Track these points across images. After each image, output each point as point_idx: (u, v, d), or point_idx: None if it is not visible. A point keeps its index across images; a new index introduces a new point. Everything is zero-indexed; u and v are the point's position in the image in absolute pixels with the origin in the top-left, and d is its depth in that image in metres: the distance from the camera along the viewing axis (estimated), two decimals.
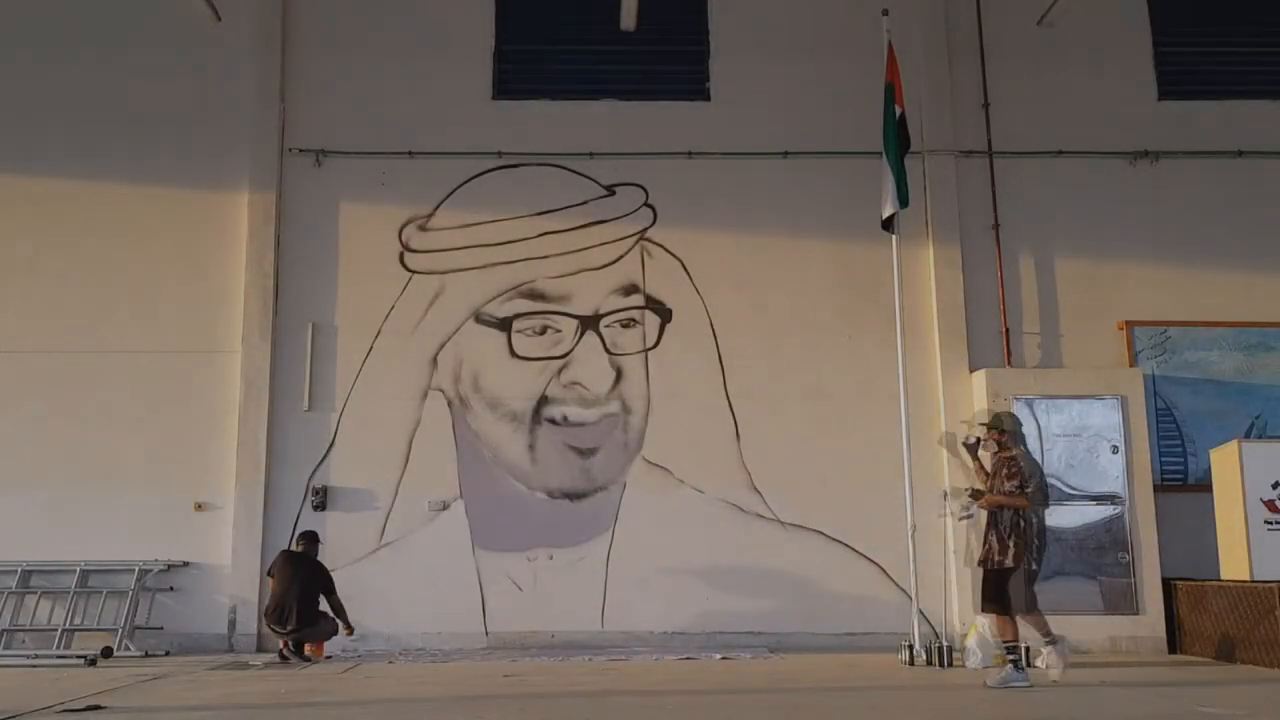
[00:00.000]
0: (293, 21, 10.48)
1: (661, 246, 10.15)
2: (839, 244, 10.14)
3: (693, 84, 10.57)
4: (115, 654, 8.98)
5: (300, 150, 10.26)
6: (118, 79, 10.38)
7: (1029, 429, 9.32)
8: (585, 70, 10.59)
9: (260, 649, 9.35)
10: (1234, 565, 8.51)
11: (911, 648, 8.04)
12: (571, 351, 9.93)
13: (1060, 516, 9.26)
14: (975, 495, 7.42)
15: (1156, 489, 9.37)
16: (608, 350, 9.95)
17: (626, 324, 10.02)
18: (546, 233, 10.09)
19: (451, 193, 10.21)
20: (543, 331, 9.98)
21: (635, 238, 10.15)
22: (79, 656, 8.67)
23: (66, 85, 10.38)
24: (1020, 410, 9.40)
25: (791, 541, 9.65)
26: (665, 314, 10.05)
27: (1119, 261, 10.20)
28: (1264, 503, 8.39)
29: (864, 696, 6.67)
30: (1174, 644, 9.01)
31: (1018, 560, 7.03)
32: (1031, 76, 10.50)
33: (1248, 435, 9.75)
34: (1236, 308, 10.10)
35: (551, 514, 9.68)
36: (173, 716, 6.16)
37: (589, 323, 9.98)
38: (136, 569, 9.39)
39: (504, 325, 9.97)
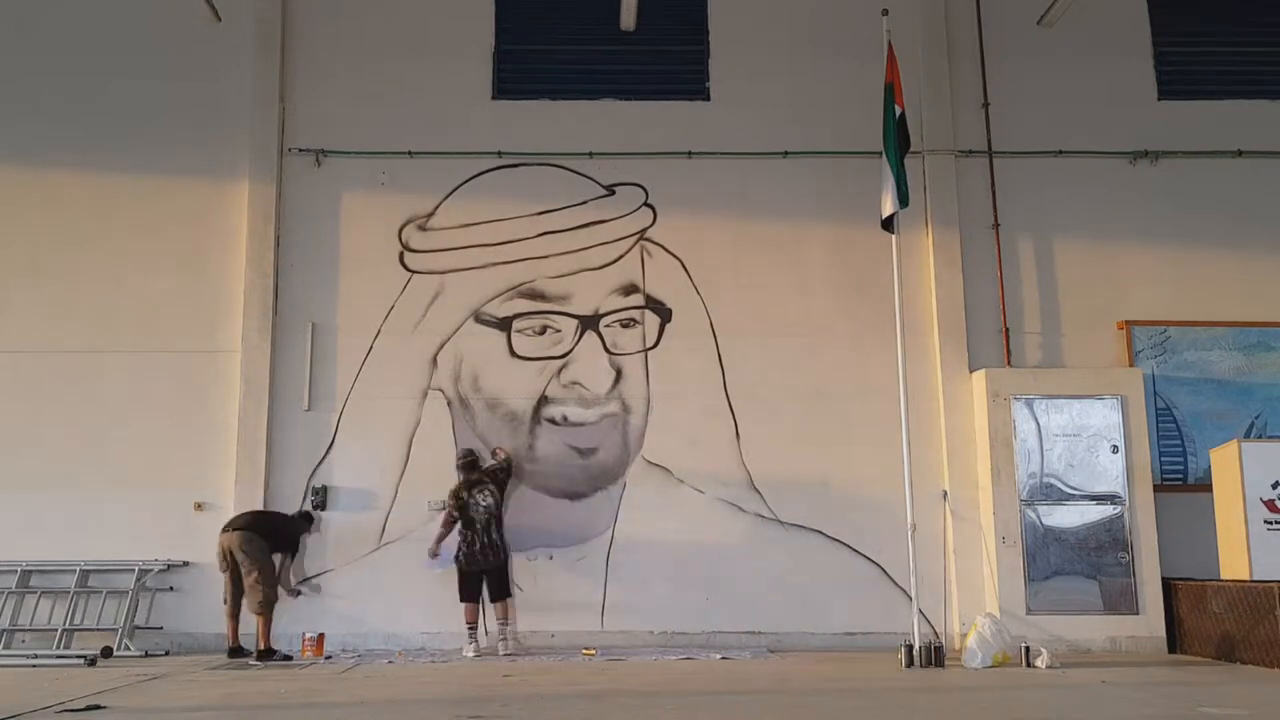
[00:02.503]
0: (293, 21, 10.48)
1: (661, 246, 10.15)
2: (839, 244, 10.14)
3: (693, 84, 10.57)
4: (115, 654, 8.98)
5: (300, 150, 10.26)
6: (117, 78, 10.37)
7: (1029, 429, 9.37)
8: (585, 70, 10.58)
9: None
10: (1234, 565, 8.52)
11: (911, 648, 8.03)
12: (571, 351, 9.93)
13: (1060, 516, 9.29)
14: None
15: (1156, 489, 9.38)
16: (608, 350, 9.95)
17: (626, 324, 10.02)
18: (546, 233, 10.09)
19: (451, 193, 10.21)
20: (543, 331, 9.98)
21: (635, 238, 10.15)
22: (79, 656, 8.67)
23: (66, 84, 10.38)
24: (1020, 410, 9.43)
25: (791, 541, 9.65)
26: (665, 314, 10.05)
27: (1119, 261, 10.20)
28: (1264, 503, 8.40)
29: (863, 697, 6.66)
30: (1174, 644, 9.01)
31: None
32: (1031, 76, 10.50)
33: (1248, 435, 9.75)
34: (1236, 308, 10.10)
35: (551, 514, 9.68)
36: (173, 716, 6.16)
37: (589, 323, 9.98)
38: (136, 569, 9.39)
39: (504, 325, 9.98)
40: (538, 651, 9.14)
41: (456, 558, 9.13)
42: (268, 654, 8.68)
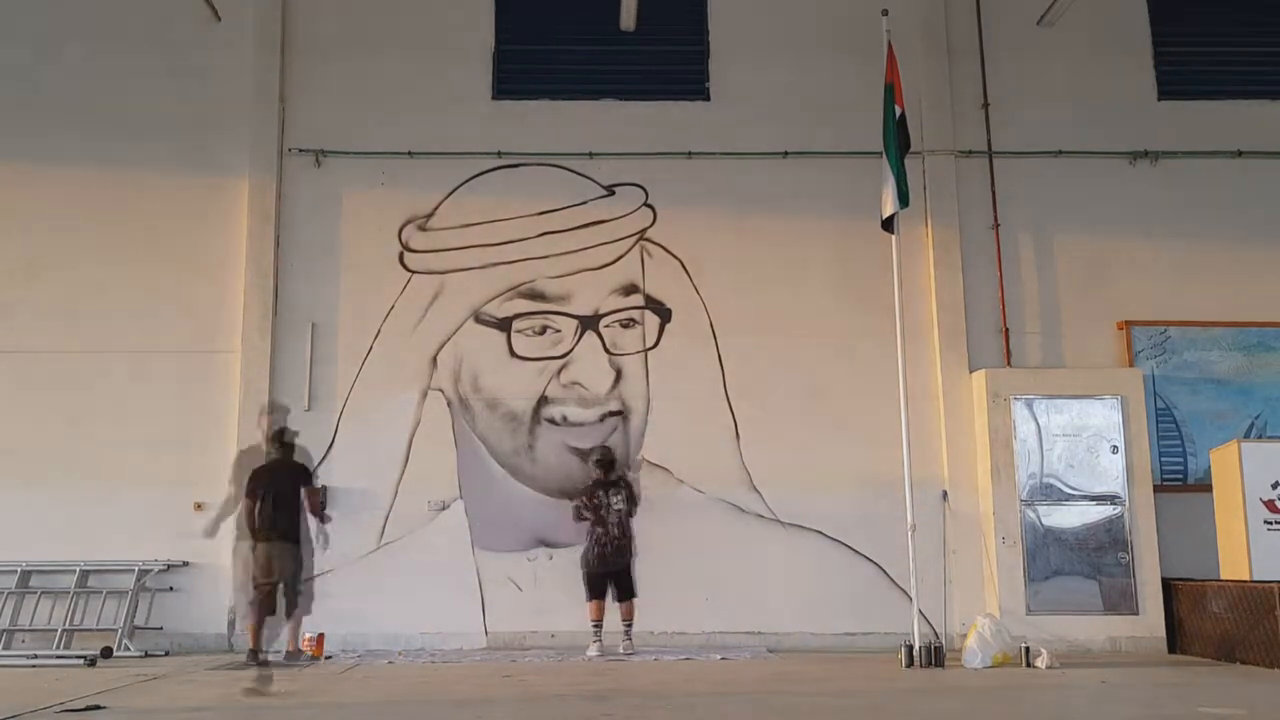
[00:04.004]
0: (293, 21, 10.47)
1: (661, 246, 10.15)
2: (839, 244, 10.14)
3: (693, 84, 10.57)
4: (115, 654, 8.98)
5: (300, 150, 10.26)
6: (117, 78, 10.38)
7: (1029, 429, 9.38)
8: (585, 70, 10.58)
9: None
10: (1234, 565, 8.52)
11: (911, 648, 8.03)
12: (571, 351, 9.93)
13: (1060, 516, 9.29)
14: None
15: (1156, 489, 9.38)
16: (607, 350, 9.95)
17: (626, 324, 10.02)
18: (546, 233, 10.09)
19: (451, 193, 10.21)
20: (542, 331, 9.98)
21: (635, 238, 10.15)
22: (79, 656, 8.67)
23: (65, 84, 10.38)
24: (1020, 410, 9.43)
25: (791, 541, 9.65)
26: (665, 314, 10.05)
27: (1119, 261, 10.20)
28: (1264, 503, 8.40)
29: (863, 697, 6.67)
30: (1174, 644, 9.01)
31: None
32: (1031, 76, 10.50)
33: (1248, 435, 9.75)
34: (1236, 308, 10.10)
35: (551, 514, 9.68)
36: (173, 717, 6.16)
37: (589, 323, 9.98)
38: (136, 569, 9.39)
39: (504, 325, 9.98)
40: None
41: (586, 558, 9.12)
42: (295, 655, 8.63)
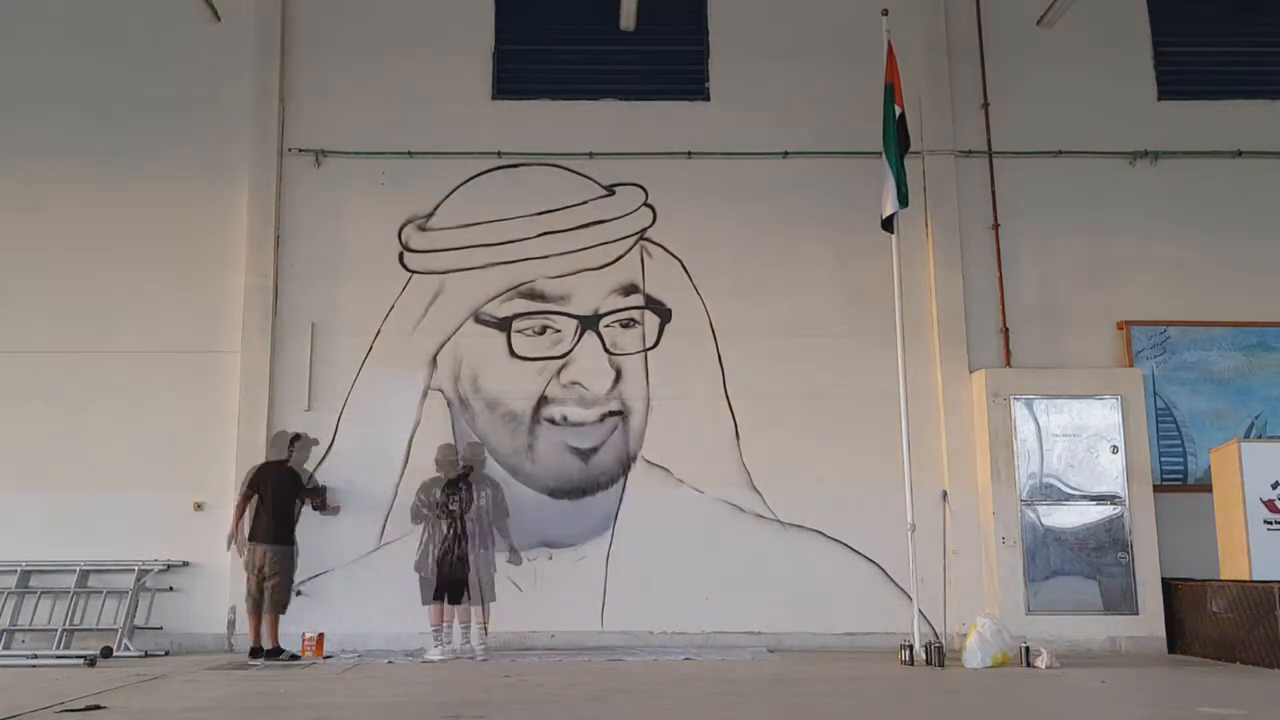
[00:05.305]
0: (293, 21, 10.48)
1: (661, 246, 10.15)
2: (839, 244, 10.14)
3: (693, 84, 10.57)
4: (115, 654, 8.98)
5: (300, 150, 10.26)
6: (116, 78, 10.38)
7: (1029, 429, 9.37)
8: (585, 70, 10.59)
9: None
10: (1234, 565, 8.52)
11: (911, 648, 8.04)
12: (571, 351, 9.93)
13: (1060, 516, 9.29)
14: None
15: (1156, 489, 9.38)
16: (607, 350, 9.95)
17: (626, 324, 10.02)
18: (546, 233, 10.09)
19: (451, 193, 10.21)
20: (542, 331, 9.98)
21: (635, 238, 10.16)
22: (79, 656, 8.66)
23: (65, 84, 10.38)
24: (1020, 410, 9.43)
25: (791, 541, 9.65)
26: (665, 314, 10.05)
27: (1119, 261, 10.21)
28: (1264, 503, 8.40)
29: (863, 697, 6.67)
30: (1174, 644, 9.02)
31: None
32: (1031, 76, 10.50)
33: (1248, 435, 9.75)
34: (1236, 308, 10.10)
35: (551, 514, 9.68)
36: (173, 716, 6.15)
37: (589, 323, 9.98)
38: (136, 569, 9.40)
39: (504, 325, 9.98)
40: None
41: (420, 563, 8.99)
42: (275, 653, 8.76)
